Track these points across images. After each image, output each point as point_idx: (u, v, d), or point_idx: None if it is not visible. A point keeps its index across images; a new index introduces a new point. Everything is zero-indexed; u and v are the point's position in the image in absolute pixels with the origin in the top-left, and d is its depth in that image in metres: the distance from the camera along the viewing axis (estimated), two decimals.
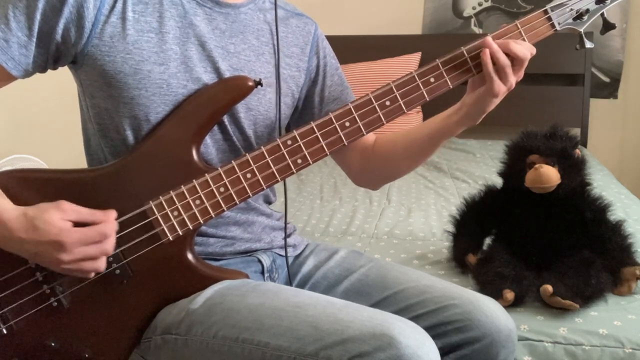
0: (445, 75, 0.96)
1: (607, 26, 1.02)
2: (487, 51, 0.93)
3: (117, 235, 0.90)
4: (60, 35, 0.89)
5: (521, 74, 0.96)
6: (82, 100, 0.99)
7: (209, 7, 0.98)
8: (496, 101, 0.96)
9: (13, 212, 0.84)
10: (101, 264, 0.87)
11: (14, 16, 0.87)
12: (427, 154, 1.08)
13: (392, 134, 1.12)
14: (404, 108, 0.96)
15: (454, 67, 0.96)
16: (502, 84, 0.94)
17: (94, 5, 0.89)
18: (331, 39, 1.43)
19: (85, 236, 0.84)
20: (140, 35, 0.92)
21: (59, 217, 0.83)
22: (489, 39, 0.94)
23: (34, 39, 0.89)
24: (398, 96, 0.95)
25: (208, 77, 0.96)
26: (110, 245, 0.86)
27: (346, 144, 0.95)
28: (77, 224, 0.85)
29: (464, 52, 0.96)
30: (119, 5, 0.91)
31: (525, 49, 0.93)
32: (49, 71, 0.96)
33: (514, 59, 0.93)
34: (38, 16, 0.88)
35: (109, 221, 0.87)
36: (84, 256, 0.84)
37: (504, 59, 0.93)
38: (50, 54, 0.91)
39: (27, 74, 0.92)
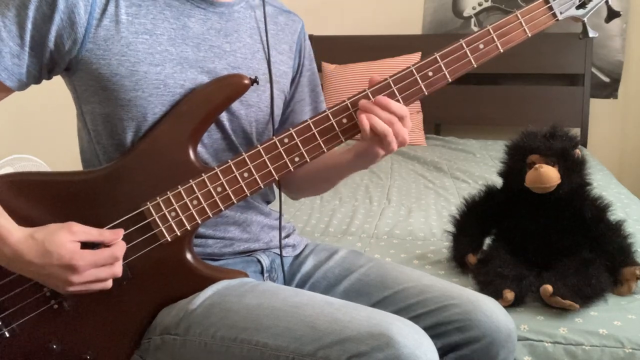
0: (444, 69, 0.94)
1: (612, 14, 0.99)
2: (363, 117, 0.89)
3: None
4: (53, 42, 0.88)
5: (404, 133, 0.91)
6: (78, 107, 0.98)
7: (203, 8, 0.97)
8: (382, 158, 0.95)
9: (19, 234, 0.84)
10: (109, 284, 0.87)
11: (5, 26, 0.86)
12: (336, 181, 1.12)
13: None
14: (402, 103, 0.94)
15: (453, 60, 0.94)
16: (382, 150, 0.93)
17: (84, 10, 0.88)
18: (331, 39, 1.43)
19: (98, 259, 0.84)
20: (134, 37, 0.91)
21: (69, 239, 0.83)
22: (363, 104, 0.91)
23: (27, 48, 0.88)
24: (396, 91, 0.94)
25: (205, 77, 0.96)
26: (119, 267, 0.87)
27: (343, 140, 0.94)
28: (86, 245, 0.85)
29: (463, 44, 0.94)
30: (111, 8, 0.90)
31: (400, 106, 0.90)
32: None
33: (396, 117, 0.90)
34: (29, 25, 0.87)
35: (118, 242, 0.87)
36: (95, 278, 0.85)
37: (382, 127, 0.89)
38: (44, 62, 0.90)
39: (22, 84, 0.91)
